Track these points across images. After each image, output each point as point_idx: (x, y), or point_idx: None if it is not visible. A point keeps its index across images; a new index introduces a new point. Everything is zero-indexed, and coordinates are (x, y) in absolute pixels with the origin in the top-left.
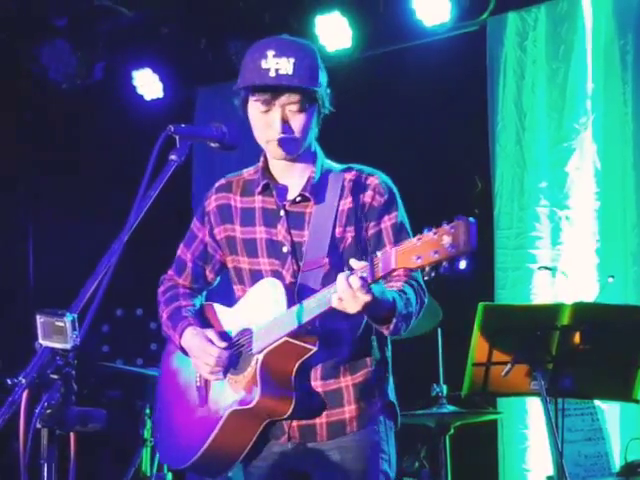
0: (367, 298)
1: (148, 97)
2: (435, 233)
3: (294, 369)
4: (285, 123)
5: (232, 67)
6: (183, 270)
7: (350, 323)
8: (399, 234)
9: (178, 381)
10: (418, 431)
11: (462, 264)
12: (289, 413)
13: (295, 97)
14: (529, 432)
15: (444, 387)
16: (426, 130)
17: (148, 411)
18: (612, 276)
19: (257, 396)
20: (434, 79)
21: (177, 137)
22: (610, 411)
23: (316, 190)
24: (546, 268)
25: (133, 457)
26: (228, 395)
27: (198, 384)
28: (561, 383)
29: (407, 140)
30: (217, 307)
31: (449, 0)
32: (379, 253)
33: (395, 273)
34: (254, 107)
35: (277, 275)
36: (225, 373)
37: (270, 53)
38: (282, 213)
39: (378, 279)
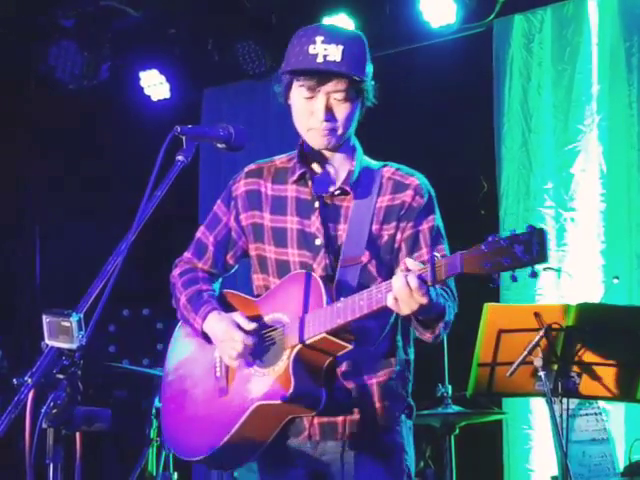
0: (424, 300)
1: (155, 98)
2: (506, 241)
3: (325, 365)
4: (329, 112)
5: (239, 68)
6: (203, 254)
7: (379, 322)
8: (436, 238)
9: (191, 371)
10: (423, 431)
11: (533, 273)
12: (316, 412)
13: (342, 85)
14: (534, 432)
15: (449, 387)
16: (432, 131)
17: (154, 411)
18: (617, 277)
19: (290, 393)
20: (440, 80)
21: (184, 138)
22: (615, 412)
23: (355, 185)
24: (551, 269)
25: (139, 457)
26: (254, 388)
27: (218, 374)
28: (566, 384)
29: (413, 141)
30: (241, 295)
31: (455, 2)
32: (439, 255)
33: None
34: (298, 93)
35: (307, 267)
36: (252, 361)
37: (319, 39)
38: (317, 204)
39: (440, 282)
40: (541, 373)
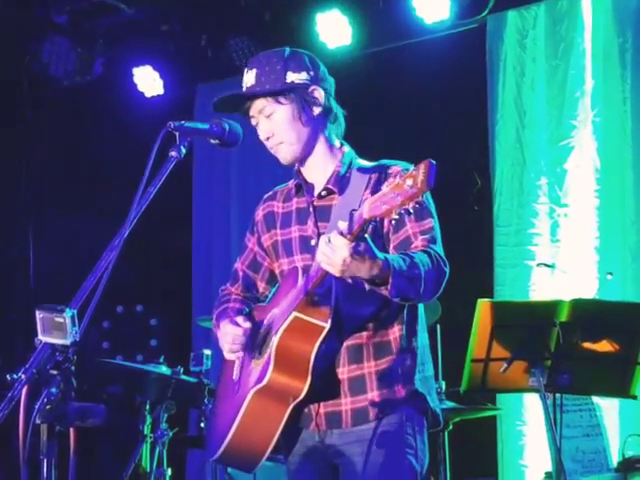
0: (344, 253)
1: (148, 94)
2: (400, 177)
3: (313, 351)
4: (265, 131)
5: (232, 64)
6: (236, 280)
7: (374, 309)
8: (420, 213)
9: (226, 379)
10: None
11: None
12: (305, 391)
13: (261, 103)
14: (527, 428)
15: (443, 383)
16: (426, 127)
17: (148, 407)
18: (611, 273)
19: (269, 372)
20: (434, 77)
21: (177, 133)
22: (609, 407)
23: (342, 183)
24: (545, 265)
25: (133, 453)
26: (252, 378)
27: (235, 377)
28: (559, 379)
29: (406, 137)
30: (263, 304)
31: None
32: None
33: (413, 245)
34: None
35: (308, 269)
36: (249, 354)
37: (246, 69)
38: (311, 209)
39: (356, 232)
40: (535, 369)
